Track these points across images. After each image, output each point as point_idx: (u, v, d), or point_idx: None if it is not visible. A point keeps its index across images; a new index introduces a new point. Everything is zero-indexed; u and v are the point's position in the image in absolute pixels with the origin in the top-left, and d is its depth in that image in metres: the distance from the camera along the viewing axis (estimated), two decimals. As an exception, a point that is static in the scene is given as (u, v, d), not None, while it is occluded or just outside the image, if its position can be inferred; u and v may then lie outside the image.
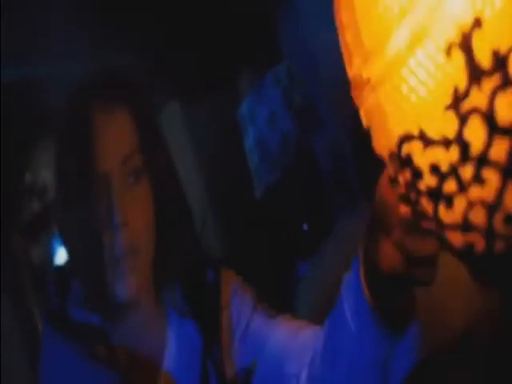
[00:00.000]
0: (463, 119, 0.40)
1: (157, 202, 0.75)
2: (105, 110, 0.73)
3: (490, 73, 0.38)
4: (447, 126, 0.41)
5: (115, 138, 0.73)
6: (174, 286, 0.81)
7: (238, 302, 0.83)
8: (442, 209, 0.43)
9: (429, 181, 0.43)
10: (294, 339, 0.76)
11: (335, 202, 1.62)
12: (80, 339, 0.74)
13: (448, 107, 0.41)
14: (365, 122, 0.49)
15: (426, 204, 0.44)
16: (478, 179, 0.40)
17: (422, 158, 0.43)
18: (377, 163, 0.51)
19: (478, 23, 0.38)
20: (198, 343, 0.80)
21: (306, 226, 1.68)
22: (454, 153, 0.41)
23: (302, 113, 1.62)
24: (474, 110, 0.39)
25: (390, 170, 0.47)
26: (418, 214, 0.46)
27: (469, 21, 0.39)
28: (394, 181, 0.47)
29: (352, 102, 0.51)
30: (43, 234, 2.04)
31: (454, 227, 0.43)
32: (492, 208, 0.40)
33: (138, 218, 0.72)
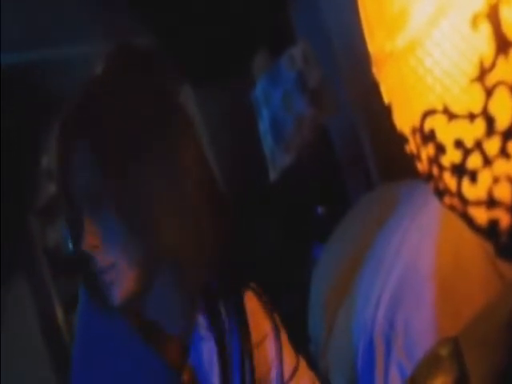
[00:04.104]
0: (489, 92, 0.39)
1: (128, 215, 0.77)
2: (68, 148, 0.76)
3: (517, 44, 0.38)
4: (472, 99, 0.40)
5: (80, 176, 0.76)
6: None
7: (274, 348, 0.82)
8: (465, 184, 0.42)
9: (452, 156, 0.42)
10: None
11: (351, 185, 1.61)
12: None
13: (473, 80, 0.40)
14: (386, 97, 0.48)
15: (449, 180, 0.43)
16: (503, 153, 0.39)
17: (446, 132, 0.42)
18: (393, 144, 0.50)
19: (506, -8, 0.37)
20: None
21: (320, 209, 1.68)
22: (478, 127, 0.40)
23: (317, 95, 1.61)
24: (501, 83, 0.39)
25: (411, 145, 0.46)
26: (441, 191, 0.45)
27: (496, -10, 0.38)
28: (415, 157, 0.46)
29: (368, 82, 0.50)
30: (59, 216, 2.05)
31: (477, 203, 0.42)
32: (518, 183, 0.40)
33: (111, 237, 0.76)
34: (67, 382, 0.78)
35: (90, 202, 0.76)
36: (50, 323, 2.15)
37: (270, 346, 0.82)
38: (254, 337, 0.81)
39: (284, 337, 0.83)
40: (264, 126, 1.69)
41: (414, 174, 0.51)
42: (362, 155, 1.58)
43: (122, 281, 0.76)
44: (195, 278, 0.79)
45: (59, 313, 2.14)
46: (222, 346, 0.79)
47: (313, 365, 0.84)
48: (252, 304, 0.84)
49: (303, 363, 0.83)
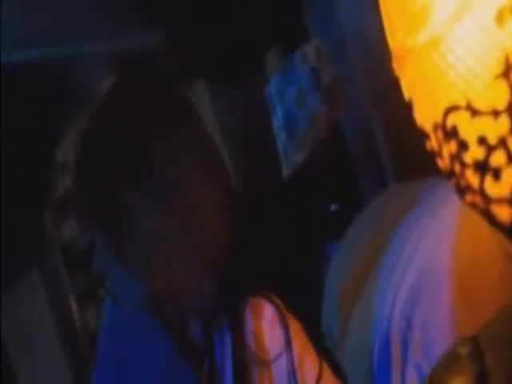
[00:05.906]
0: (514, 88, 0.39)
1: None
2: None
3: (544, 39, 0.37)
4: (496, 95, 0.40)
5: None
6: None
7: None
8: (488, 182, 0.42)
9: (475, 153, 0.42)
10: None
11: (364, 182, 1.61)
12: None
13: (498, 76, 0.39)
14: (407, 93, 0.48)
15: (472, 177, 0.43)
16: (528, 151, 0.39)
17: (469, 129, 0.42)
18: (407, 140, 0.50)
19: (532, -13, 0.37)
20: None
21: (333, 207, 1.67)
22: (503, 124, 0.40)
23: (331, 91, 1.61)
24: (526, 79, 0.38)
25: (433, 142, 0.46)
26: (463, 188, 0.45)
27: (523, -15, 0.37)
28: (437, 153, 0.46)
29: (381, 78, 0.50)
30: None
31: (501, 201, 0.42)
32: (542, 180, 0.39)
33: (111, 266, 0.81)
34: (82, 375, 0.80)
35: (93, 229, 0.81)
36: (64, 317, 2.16)
37: (281, 366, 0.80)
38: (264, 354, 0.79)
39: (306, 343, 0.81)
40: (277, 122, 1.69)
41: (428, 169, 0.50)
42: (375, 152, 1.57)
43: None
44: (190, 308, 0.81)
45: (73, 306, 2.15)
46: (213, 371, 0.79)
47: (334, 364, 0.82)
48: (267, 314, 0.82)
49: (327, 370, 0.82)
